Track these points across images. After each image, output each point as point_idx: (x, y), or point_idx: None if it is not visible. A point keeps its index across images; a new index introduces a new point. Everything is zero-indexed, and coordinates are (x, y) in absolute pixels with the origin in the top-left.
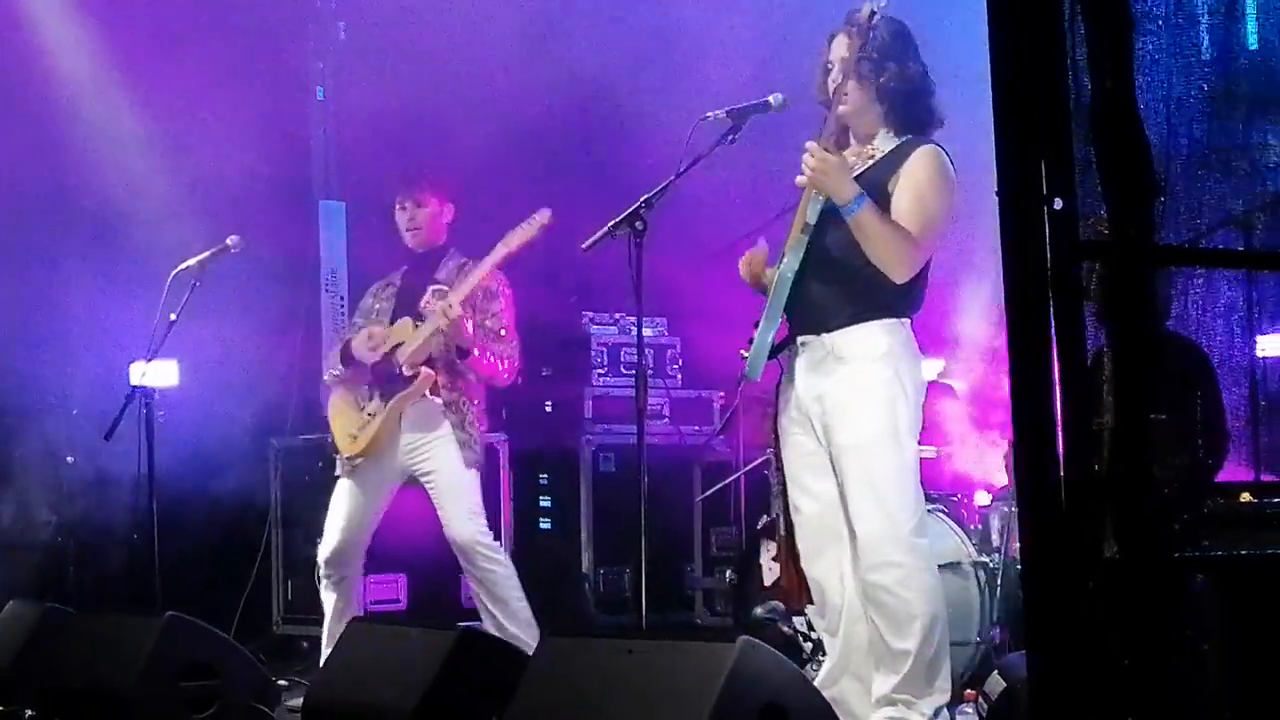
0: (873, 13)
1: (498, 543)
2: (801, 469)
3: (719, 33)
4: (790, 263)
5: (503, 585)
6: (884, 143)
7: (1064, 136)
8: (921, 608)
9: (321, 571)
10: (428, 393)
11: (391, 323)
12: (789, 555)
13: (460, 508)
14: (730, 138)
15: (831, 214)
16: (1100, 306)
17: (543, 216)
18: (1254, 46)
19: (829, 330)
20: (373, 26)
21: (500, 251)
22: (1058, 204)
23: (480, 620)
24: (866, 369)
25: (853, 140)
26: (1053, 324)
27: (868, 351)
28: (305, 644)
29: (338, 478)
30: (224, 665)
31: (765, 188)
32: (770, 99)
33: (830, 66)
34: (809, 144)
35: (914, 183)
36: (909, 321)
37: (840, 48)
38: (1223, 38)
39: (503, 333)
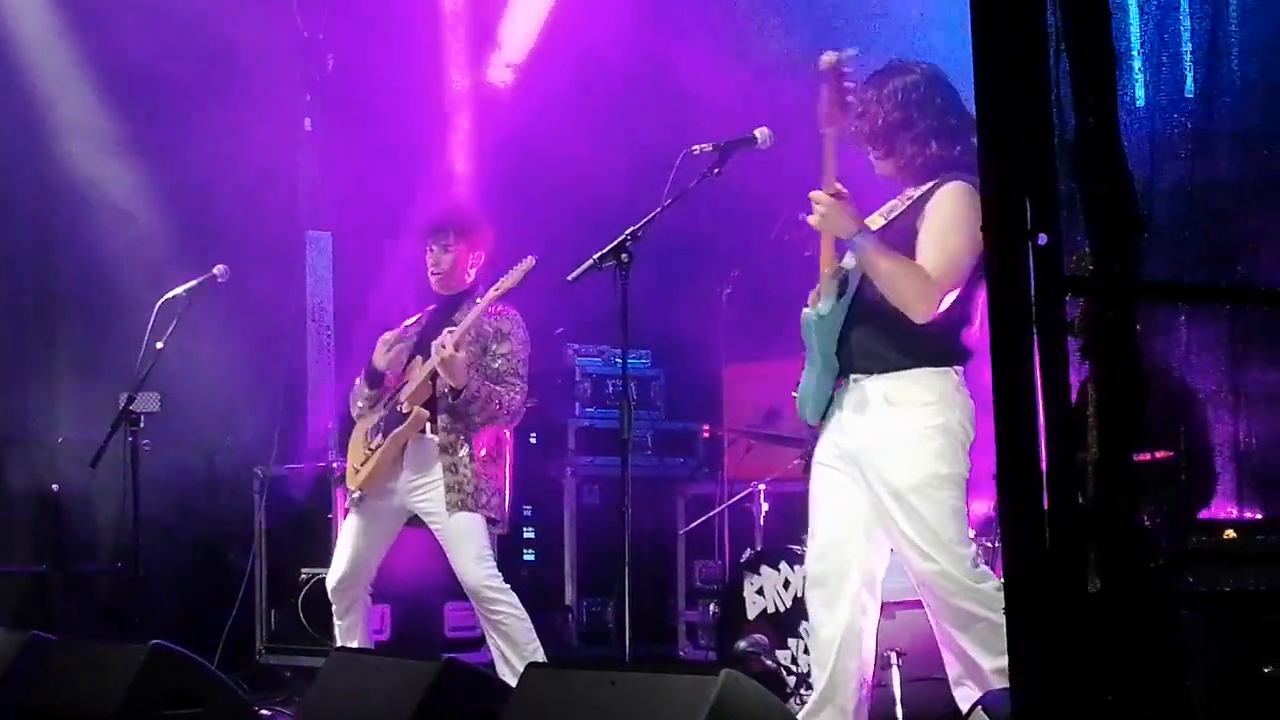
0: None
1: (508, 584)
2: (828, 499)
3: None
4: (822, 306)
5: (514, 628)
6: (914, 190)
7: (1048, 172)
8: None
9: (330, 598)
10: (428, 433)
11: (408, 362)
12: None
13: (464, 551)
14: (716, 171)
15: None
16: (1084, 341)
17: (528, 263)
18: (1236, 85)
19: (878, 373)
20: (360, 58)
21: (490, 296)
22: (1042, 239)
23: (464, 651)
24: (918, 414)
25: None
26: (1037, 359)
27: (918, 397)
28: (288, 673)
29: (347, 510)
30: (207, 694)
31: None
32: (756, 134)
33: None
34: (812, 194)
35: (938, 221)
36: (961, 369)
37: (870, 105)
38: (1205, 75)
39: (509, 375)
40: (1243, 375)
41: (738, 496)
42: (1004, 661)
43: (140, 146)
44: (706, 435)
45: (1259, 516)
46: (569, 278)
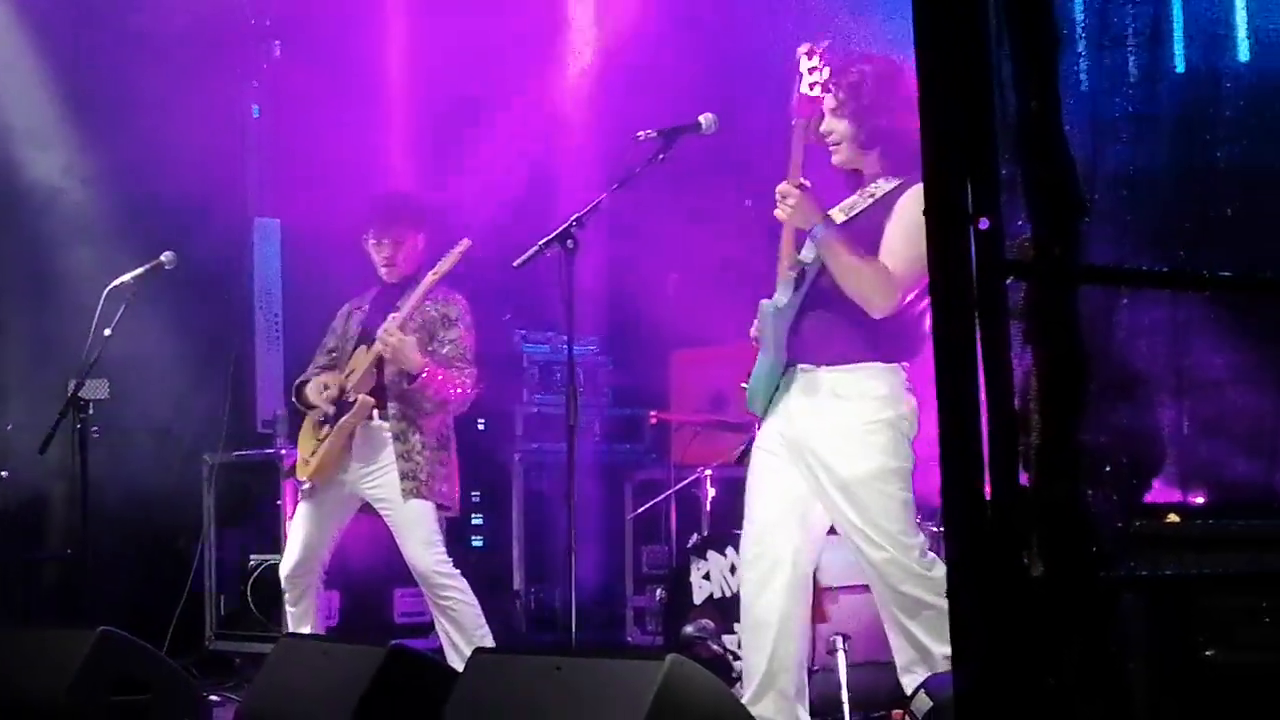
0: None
1: (458, 570)
2: (769, 483)
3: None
4: (779, 297)
5: (463, 613)
6: (884, 184)
7: (990, 155)
8: None
9: (283, 586)
10: (377, 420)
11: (353, 351)
12: None
13: (414, 536)
14: (660, 157)
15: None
16: (1026, 326)
17: (463, 245)
18: (1180, 70)
19: (828, 365)
20: (307, 44)
21: (429, 280)
22: (983, 223)
23: (413, 637)
24: (866, 408)
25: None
26: (979, 343)
27: (867, 391)
28: (238, 660)
29: (297, 499)
30: (155, 680)
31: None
32: (701, 120)
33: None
34: (780, 186)
35: (903, 221)
36: (907, 366)
37: (829, 98)
38: (1148, 60)
39: (457, 360)
40: (1184, 360)
41: (685, 482)
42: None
43: (85, 134)
44: (654, 421)
45: (1200, 500)
46: (515, 263)
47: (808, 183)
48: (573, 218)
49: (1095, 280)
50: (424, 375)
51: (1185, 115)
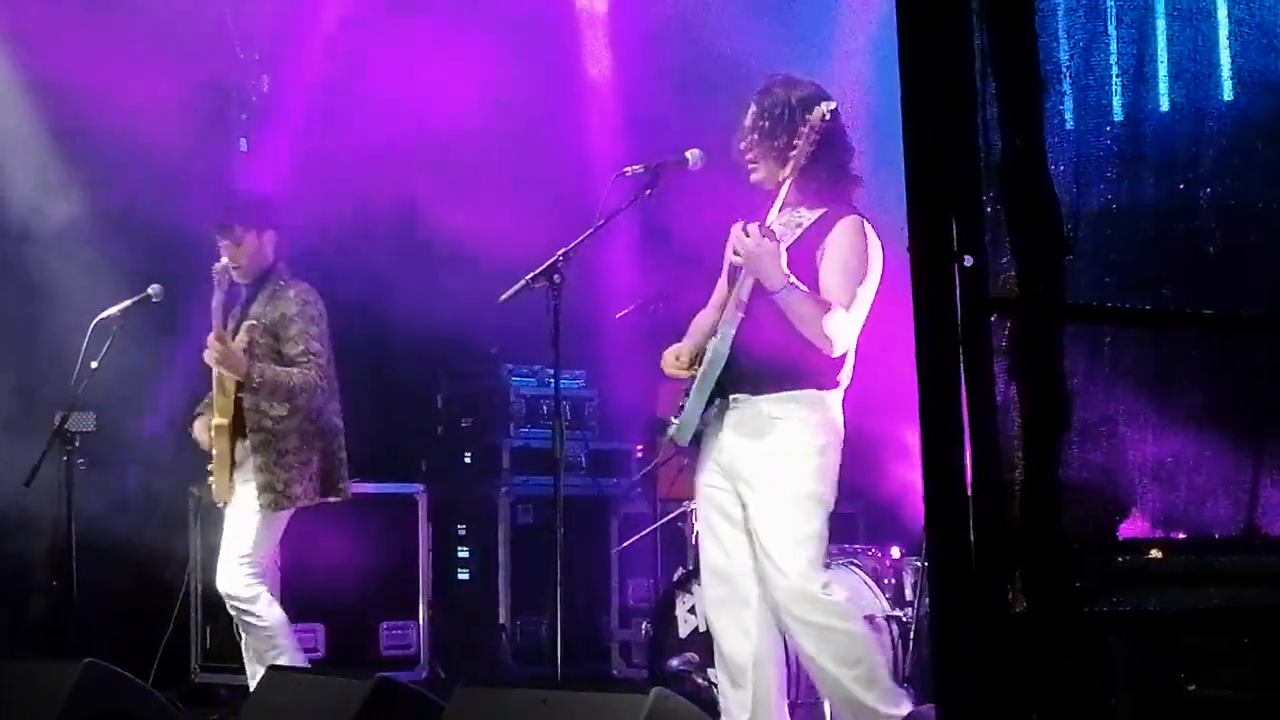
0: (824, 114)
1: (257, 593)
2: (717, 521)
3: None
4: (726, 336)
5: (257, 636)
6: (808, 213)
7: (974, 194)
8: (859, 628)
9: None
10: (246, 435)
11: None
12: None
13: (229, 551)
14: (647, 192)
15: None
16: (1010, 362)
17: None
18: (1164, 109)
19: (764, 393)
20: (295, 79)
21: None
22: (968, 261)
23: (399, 670)
24: (798, 433)
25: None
26: (963, 381)
27: (802, 417)
28: (224, 692)
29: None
30: (141, 713)
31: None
32: (688, 155)
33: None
34: (747, 227)
35: (840, 257)
36: (840, 394)
37: (748, 116)
38: (1132, 99)
39: (300, 356)
40: (1167, 397)
41: (670, 516)
42: (859, 670)
43: (71, 166)
44: (640, 455)
45: (1182, 536)
46: (500, 299)
47: (774, 230)
48: (559, 253)
49: (1079, 318)
50: (248, 382)
51: (1169, 154)
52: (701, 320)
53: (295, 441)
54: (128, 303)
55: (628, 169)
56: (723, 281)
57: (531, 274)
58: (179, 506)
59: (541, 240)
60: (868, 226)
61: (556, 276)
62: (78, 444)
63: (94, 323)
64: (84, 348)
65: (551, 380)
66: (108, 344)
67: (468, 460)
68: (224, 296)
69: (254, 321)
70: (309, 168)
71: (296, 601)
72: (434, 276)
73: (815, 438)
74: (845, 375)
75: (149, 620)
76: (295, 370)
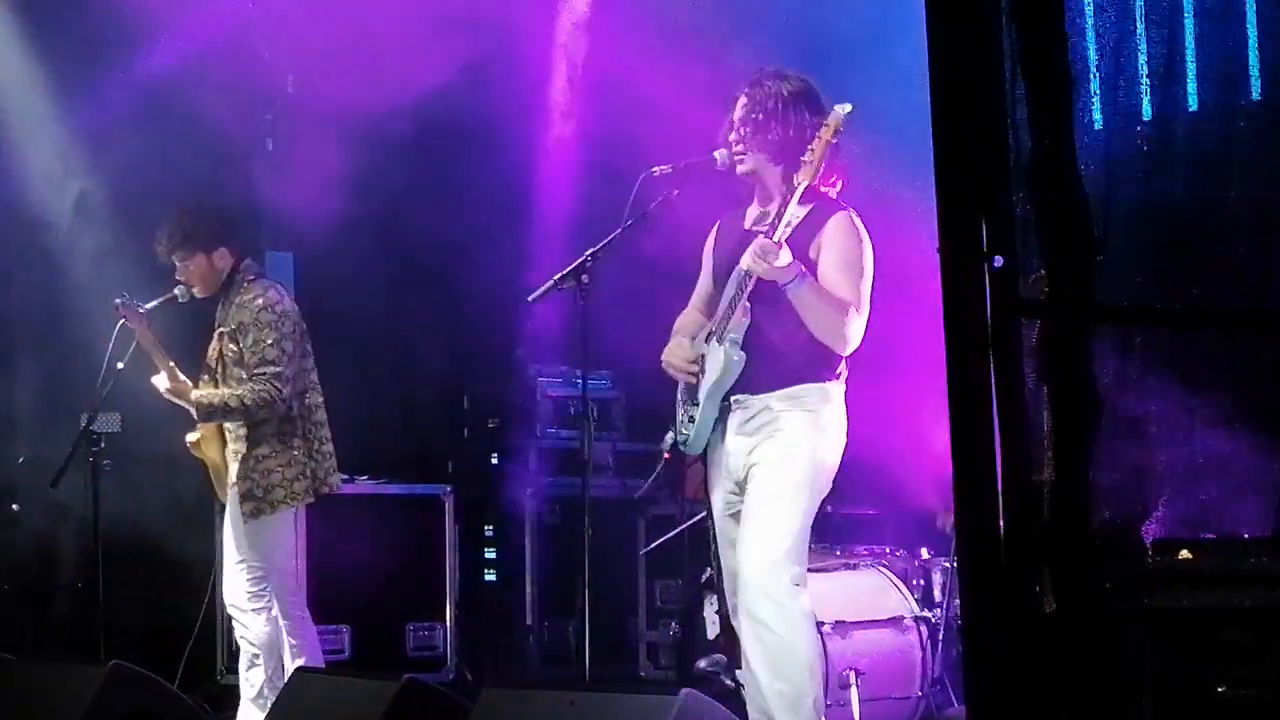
0: (841, 120)
1: (258, 606)
2: (733, 528)
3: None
4: (736, 343)
5: (244, 647)
6: (796, 209)
7: (1004, 195)
8: (805, 654)
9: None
10: (229, 440)
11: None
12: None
13: (228, 558)
14: (675, 192)
15: (762, 287)
16: (1039, 363)
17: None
18: (1193, 108)
19: (765, 391)
20: (321, 79)
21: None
22: (998, 262)
23: (426, 670)
24: (801, 428)
25: (758, 198)
26: (993, 381)
27: (808, 410)
28: None
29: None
30: (167, 715)
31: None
32: (716, 155)
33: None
34: (764, 242)
35: (839, 253)
36: (841, 385)
37: (739, 108)
38: (1161, 99)
39: (255, 368)
40: (1197, 397)
41: (697, 517)
42: (784, 686)
43: (97, 169)
44: (667, 456)
45: (1211, 536)
46: (530, 299)
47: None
48: (587, 253)
49: (1109, 319)
50: (199, 410)
51: (1198, 153)
52: (686, 320)
53: (273, 444)
54: (154, 303)
55: (655, 169)
56: (705, 280)
57: (559, 274)
58: (204, 508)
59: (569, 242)
60: (858, 221)
61: (584, 277)
62: (103, 445)
63: (119, 323)
64: (110, 348)
65: (578, 381)
66: (133, 345)
67: (494, 461)
68: (144, 329)
69: (220, 329)
70: (334, 168)
71: (323, 603)
72: (460, 276)
73: (818, 432)
74: (844, 366)
75: (175, 622)
76: (245, 390)
